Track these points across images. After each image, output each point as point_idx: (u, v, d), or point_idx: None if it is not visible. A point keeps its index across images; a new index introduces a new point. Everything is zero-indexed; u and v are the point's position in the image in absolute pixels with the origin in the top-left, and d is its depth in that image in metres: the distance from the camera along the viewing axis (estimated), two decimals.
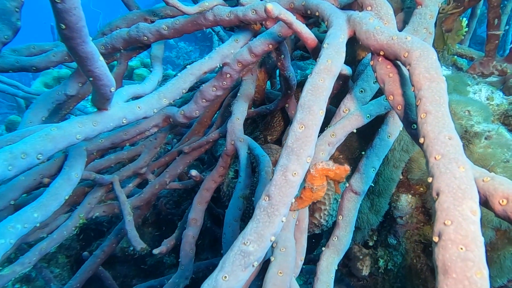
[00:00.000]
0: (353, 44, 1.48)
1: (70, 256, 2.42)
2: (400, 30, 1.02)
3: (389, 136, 1.09)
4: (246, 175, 1.29)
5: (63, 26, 0.61)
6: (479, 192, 0.59)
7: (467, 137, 1.25)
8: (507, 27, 2.25)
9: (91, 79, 0.76)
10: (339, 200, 1.13)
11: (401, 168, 1.31)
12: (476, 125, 1.25)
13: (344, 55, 0.84)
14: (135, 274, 2.52)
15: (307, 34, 1.03)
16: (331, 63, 0.79)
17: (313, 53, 1.14)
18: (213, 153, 2.57)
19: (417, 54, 0.73)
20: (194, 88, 2.11)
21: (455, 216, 0.50)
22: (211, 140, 1.67)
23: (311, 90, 0.75)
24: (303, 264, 1.02)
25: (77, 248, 2.45)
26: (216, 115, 1.91)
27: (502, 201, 0.54)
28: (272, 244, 0.86)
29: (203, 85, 1.38)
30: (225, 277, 0.62)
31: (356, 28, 0.89)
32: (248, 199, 1.26)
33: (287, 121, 1.83)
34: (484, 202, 0.58)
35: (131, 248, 1.56)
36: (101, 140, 1.45)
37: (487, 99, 1.44)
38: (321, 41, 1.03)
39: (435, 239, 0.50)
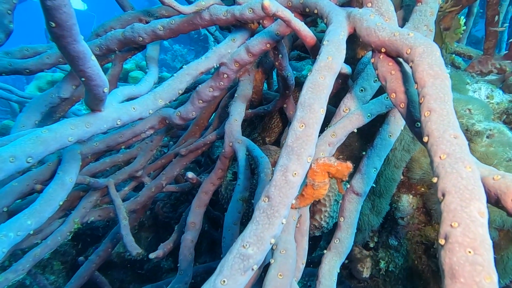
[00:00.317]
0: (352, 43, 1.46)
1: (65, 263, 2.38)
2: (400, 27, 1.00)
3: (391, 135, 1.07)
4: (245, 177, 1.26)
5: (53, 24, 0.58)
6: (489, 190, 0.57)
7: (469, 136, 1.23)
8: (505, 25, 2.25)
9: (83, 79, 0.73)
10: (340, 201, 1.11)
11: (402, 168, 1.29)
12: (477, 124, 1.23)
13: (344, 52, 0.82)
14: (132, 280, 2.49)
15: (306, 32, 1.01)
16: (332, 60, 0.77)
17: (312, 52, 1.12)
18: (210, 155, 2.55)
19: (420, 50, 0.71)
20: (190, 90, 2.09)
21: (462, 218, 0.48)
22: (208, 142, 1.64)
23: (311, 87, 0.73)
24: None
25: (73, 254, 2.42)
26: (213, 116, 1.89)
27: None
28: (272, 247, 0.84)
29: (200, 85, 1.36)
30: (224, 281, 0.60)
31: (356, 25, 0.87)
32: (247, 202, 1.24)
33: (286, 122, 1.81)
34: (496, 201, 0.56)
35: (128, 253, 1.53)
36: (96, 143, 1.42)
37: (487, 97, 1.43)
38: (319, 39, 1.01)
39: (441, 241, 0.48)
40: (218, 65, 1.29)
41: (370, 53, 1.39)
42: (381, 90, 1.17)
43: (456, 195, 0.50)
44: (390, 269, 1.49)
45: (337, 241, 1.03)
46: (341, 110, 1.13)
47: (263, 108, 1.69)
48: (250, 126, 2.03)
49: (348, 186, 1.10)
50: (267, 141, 1.82)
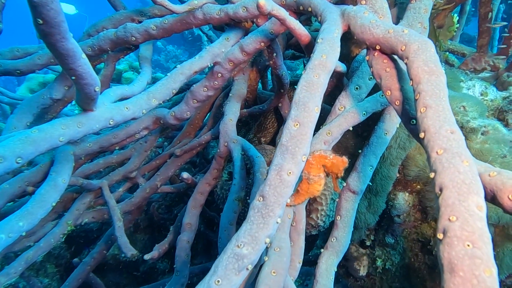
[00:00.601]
0: (347, 41, 1.46)
1: (59, 265, 2.35)
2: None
3: (386, 133, 1.07)
4: (240, 177, 1.25)
5: (41, 21, 0.57)
6: (485, 187, 0.56)
7: (464, 133, 1.23)
8: (498, 23, 2.26)
9: (73, 78, 0.72)
10: (336, 200, 1.10)
11: (398, 165, 1.29)
12: (472, 121, 1.23)
13: (339, 50, 0.81)
14: (127, 281, 2.47)
15: (301, 31, 1.01)
16: (326, 58, 0.76)
17: (307, 50, 1.11)
18: (205, 155, 2.53)
19: (415, 47, 0.70)
20: (184, 89, 2.08)
21: (460, 211, 0.48)
22: (203, 142, 1.63)
23: (305, 86, 0.72)
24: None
25: (67, 256, 2.39)
26: (207, 116, 1.87)
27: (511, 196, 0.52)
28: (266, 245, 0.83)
29: (194, 85, 1.35)
30: (218, 281, 0.59)
31: (350, 22, 0.86)
32: (243, 202, 1.23)
33: (281, 122, 1.80)
34: (492, 198, 0.56)
35: (123, 255, 1.51)
36: (89, 144, 1.40)
37: (481, 94, 1.43)
38: (314, 38, 1.01)
39: (440, 236, 0.48)
40: (212, 65, 1.28)
41: (364, 51, 1.38)
42: (376, 88, 1.17)
43: (453, 189, 0.50)
44: (387, 267, 1.49)
45: (334, 240, 1.02)
46: (336, 108, 1.12)
47: (258, 107, 1.68)
48: (245, 127, 2.02)
49: (345, 184, 1.10)
50: (263, 141, 1.82)
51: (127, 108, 1.00)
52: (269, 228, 0.62)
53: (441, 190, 0.51)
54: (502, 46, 1.53)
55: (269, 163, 1.42)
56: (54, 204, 1.10)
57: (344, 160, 0.82)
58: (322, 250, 1.03)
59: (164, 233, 1.99)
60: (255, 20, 1.28)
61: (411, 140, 1.27)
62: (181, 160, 1.69)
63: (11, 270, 1.26)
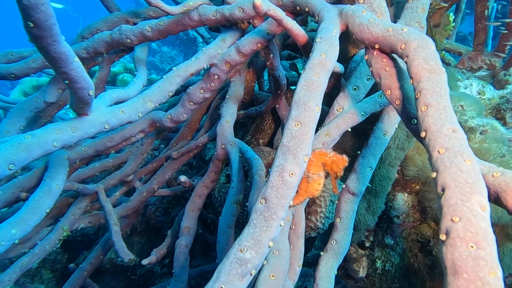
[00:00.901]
0: (344, 41, 1.45)
1: (55, 271, 2.32)
2: None
3: (385, 134, 1.06)
4: (238, 179, 1.24)
5: (31, 24, 0.55)
6: (488, 188, 0.55)
7: None
8: (492, 21, 2.27)
9: (66, 82, 0.70)
10: (336, 202, 1.09)
11: (397, 166, 1.28)
12: (470, 120, 1.23)
13: (338, 49, 0.80)
14: (124, 286, 2.44)
15: (298, 31, 1.00)
16: (325, 58, 0.75)
17: (304, 51, 1.10)
18: (202, 157, 2.52)
19: (414, 45, 0.69)
20: (180, 92, 2.06)
21: (463, 212, 0.46)
22: (200, 145, 1.61)
23: (305, 85, 0.71)
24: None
25: (63, 262, 2.36)
26: (204, 118, 1.86)
27: None
28: None
29: (190, 87, 1.33)
30: (221, 287, 0.57)
31: (348, 21, 0.85)
32: (241, 205, 1.21)
33: (278, 123, 1.79)
34: (495, 199, 0.55)
35: (120, 259, 1.49)
36: (84, 148, 1.37)
37: (479, 93, 1.43)
38: (311, 38, 0.99)
39: (442, 237, 0.46)
40: (208, 66, 1.27)
41: (362, 51, 1.38)
42: (374, 89, 1.16)
43: (456, 189, 0.49)
44: (386, 268, 1.48)
45: (333, 242, 1.01)
46: (335, 109, 1.11)
47: (255, 108, 1.67)
48: (242, 129, 2.01)
49: (344, 186, 1.09)
50: (261, 143, 1.80)
51: (122, 112, 0.98)
52: (272, 231, 0.61)
53: (443, 190, 0.50)
54: (504, 43, 1.52)
55: (267, 165, 1.41)
56: (48, 210, 1.08)
57: (345, 159, 0.80)
58: (321, 252, 1.01)
59: (161, 236, 1.97)
60: (251, 21, 1.26)
61: (409, 141, 1.27)
62: (178, 163, 1.67)
63: (5, 277, 1.24)
